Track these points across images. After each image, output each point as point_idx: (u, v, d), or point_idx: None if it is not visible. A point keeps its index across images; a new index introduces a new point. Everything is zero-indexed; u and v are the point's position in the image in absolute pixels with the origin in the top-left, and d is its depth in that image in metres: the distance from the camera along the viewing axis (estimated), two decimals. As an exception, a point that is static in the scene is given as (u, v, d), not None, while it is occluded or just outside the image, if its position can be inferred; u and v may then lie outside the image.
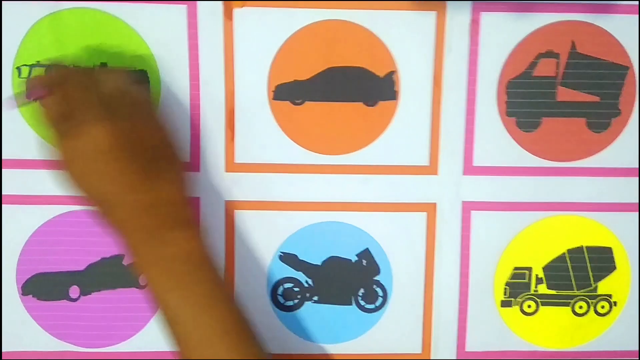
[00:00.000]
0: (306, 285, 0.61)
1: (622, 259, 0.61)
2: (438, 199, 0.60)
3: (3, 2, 0.55)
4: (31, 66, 0.56)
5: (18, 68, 0.56)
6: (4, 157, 0.57)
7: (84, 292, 0.59)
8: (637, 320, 0.62)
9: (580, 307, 0.61)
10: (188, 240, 0.52)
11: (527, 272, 0.61)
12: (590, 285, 0.61)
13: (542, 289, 0.61)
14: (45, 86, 0.51)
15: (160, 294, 0.51)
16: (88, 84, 0.51)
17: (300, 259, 0.60)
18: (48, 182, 0.58)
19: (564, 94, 0.59)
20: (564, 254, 0.61)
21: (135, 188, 0.50)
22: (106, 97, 0.50)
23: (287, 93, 0.58)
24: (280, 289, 0.61)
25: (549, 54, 0.58)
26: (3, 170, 0.57)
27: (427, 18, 0.58)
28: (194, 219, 0.55)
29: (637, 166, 0.60)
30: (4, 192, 0.58)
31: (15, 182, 0.58)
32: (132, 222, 0.51)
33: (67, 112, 0.50)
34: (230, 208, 0.59)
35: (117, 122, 0.49)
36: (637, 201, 0.60)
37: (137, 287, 0.59)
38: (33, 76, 0.55)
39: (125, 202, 0.50)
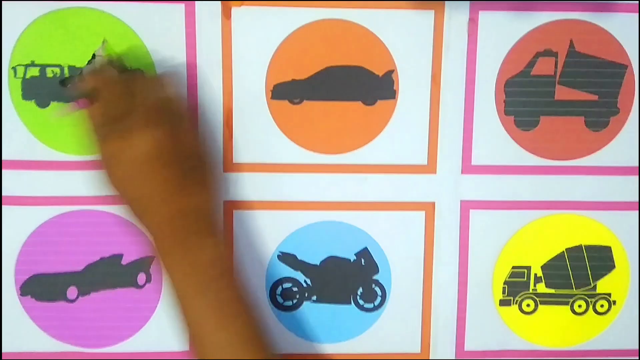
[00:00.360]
0: (305, 285, 0.60)
1: (621, 257, 0.61)
2: (436, 198, 0.60)
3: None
4: (26, 66, 0.56)
5: (14, 68, 0.56)
6: (4, 157, 0.57)
7: (83, 293, 0.59)
8: (636, 319, 0.62)
9: (580, 306, 0.61)
10: (217, 247, 0.53)
11: (526, 271, 0.61)
12: (590, 284, 0.61)
13: (541, 287, 0.61)
14: (90, 92, 0.52)
15: (185, 299, 0.51)
16: (135, 91, 0.52)
17: (299, 258, 0.60)
18: (47, 183, 0.58)
19: (563, 93, 0.59)
20: (562, 252, 0.61)
21: (174, 194, 0.51)
22: (151, 104, 0.51)
23: (285, 92, 0.58)
24: (279, 289, 0.60)
25: (548, 53, 0.58)
26: (3, 170, 0.57)
27: (425, 17, 0.57)
28: (219, 227, 0.55)
29: (636, 164, 0.60)
30: (3, 193, 0.57)
31: (15, 182, 0.57)
32: (166, 226, 0.51)
33: (112, 117, 0.51)
34: (228, 208, 0.59)
35: (162, 129, 0.50)
36: (637, 200, 0.60)
37: (135, 287, 0.59)
38: (75, 82, 0.55)
39: (162, 207, 0.51)
